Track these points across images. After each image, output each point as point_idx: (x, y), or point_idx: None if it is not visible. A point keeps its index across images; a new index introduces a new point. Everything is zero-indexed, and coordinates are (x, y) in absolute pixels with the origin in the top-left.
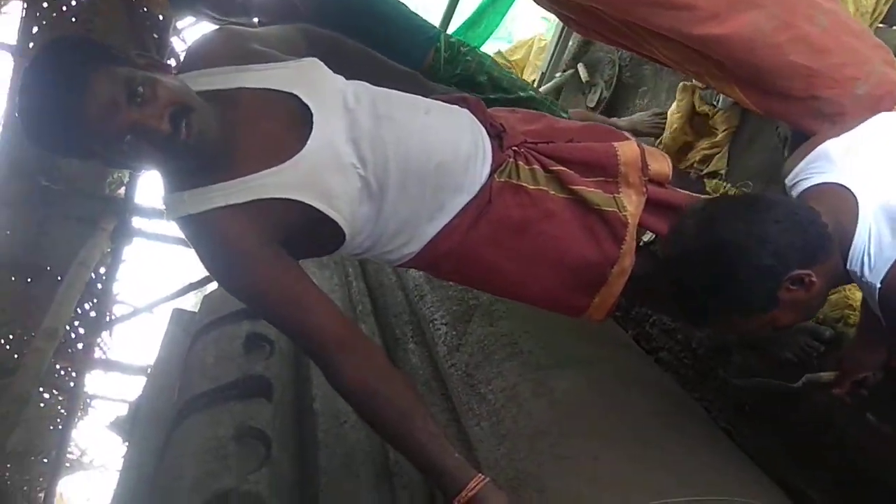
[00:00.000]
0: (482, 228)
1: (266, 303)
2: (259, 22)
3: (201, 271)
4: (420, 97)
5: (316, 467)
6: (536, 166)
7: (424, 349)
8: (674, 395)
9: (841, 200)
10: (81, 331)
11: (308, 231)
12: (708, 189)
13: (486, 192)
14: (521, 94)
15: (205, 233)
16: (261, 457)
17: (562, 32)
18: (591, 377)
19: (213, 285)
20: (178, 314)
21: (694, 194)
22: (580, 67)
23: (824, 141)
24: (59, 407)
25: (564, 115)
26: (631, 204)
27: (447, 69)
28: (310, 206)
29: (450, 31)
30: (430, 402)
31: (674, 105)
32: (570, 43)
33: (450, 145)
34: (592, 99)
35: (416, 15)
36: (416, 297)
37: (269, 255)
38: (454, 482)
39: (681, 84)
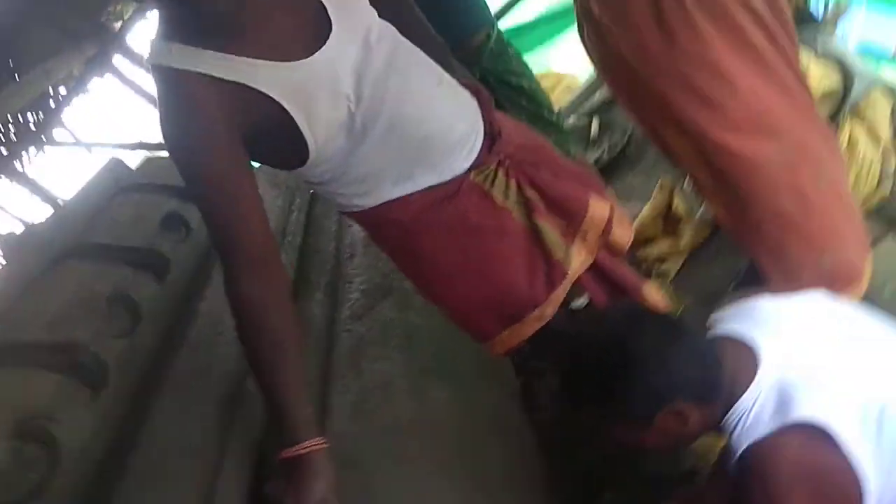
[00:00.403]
0: (437, 215)
1: (203, 184)
2: None
3: (157, 136)
4: (439, 67)
5: (171, 363)
6: (513, 183)
7: (330, 305)
8: (526, 456)
9: (745, 358)
10: (13, 138)
11: (275, 137)
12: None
13: (456, 184)
14: (547, 115)
15: (176, 91)
16: (124, 329)
17: (594, 82)
18: (466, 402)
19: (162, 154)
20: (116, 163)
21: (638, 279)
22: (594, 121)
23: (763, 295)
24: None
25: (561, 143)
26: (576, 260)
27: (489, 60)
28: (289, 114)
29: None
30: (310, 353)
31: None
32: (596, 96)
33: (445, 123)
34: (591, 156)
35: None
36: (346, 254)
37: (228, 141)
38: (294, 433)
39: (660, 181)
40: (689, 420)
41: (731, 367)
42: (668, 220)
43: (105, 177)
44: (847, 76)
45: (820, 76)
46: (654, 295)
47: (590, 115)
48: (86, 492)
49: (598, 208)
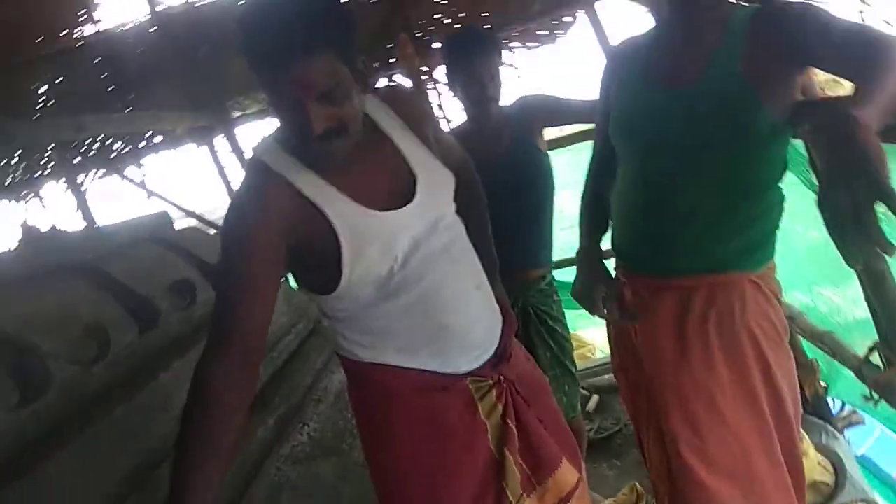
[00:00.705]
0: (419, 399)
1: (233, 267)
2: None
3: (211, 214)
4: (484, 275)
5: (110, 410)
6: (500, 406)
7: (274, 435)
8: None
9: None
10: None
11: (317, 259)
12: None
13: (451, 381)
14: (569, 365)
15: (258, 186)
16: (85, 358)
17: (606, 362)
18: None
19: (205, 229)
20: (163, 215)
21: None
22: (594, 399)
23: None
24: None
25: (572, 413)
26: None
27: (536, 296)
28: (340, 248)
29: None
30: (234, 472)
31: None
32: (605, 376)
33: (467, 323)
34: None
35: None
36: (315, 397)
37: (276, 246)
38: None
39: (633, 484)
40: None
41: None
42: None
43: (147, 221)
44: (839, 479)
45: (812, 466)
46: None
47: (592, 391)
48: None
49: (568, 474)
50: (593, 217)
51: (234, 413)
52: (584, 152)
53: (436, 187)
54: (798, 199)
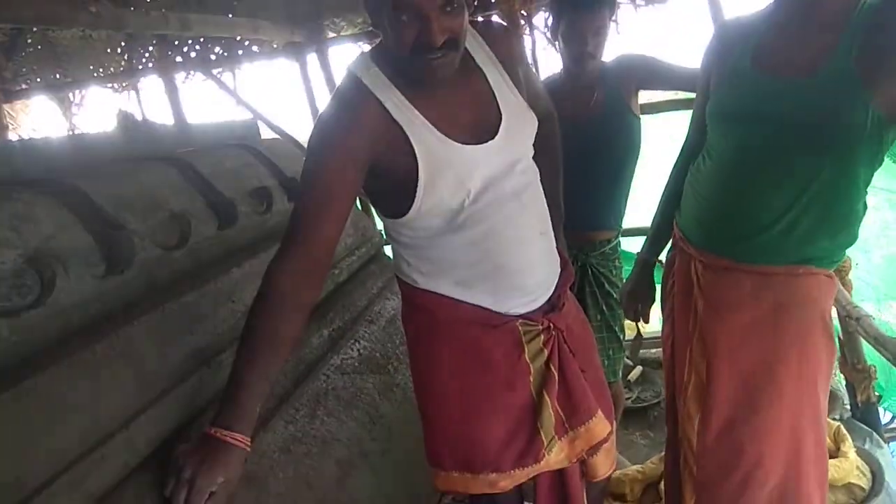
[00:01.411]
0: (468, 333)
1: (315, 175)
2: None
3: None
4: (550, 225)
5: (179, 294)
6: (546, 352)
7: (327, 345)
8: None
9: None
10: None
11: (393, 182)
12: None
13: (501, 319)
14: (618, 332)
15: (351, 99)
16: (162, 242)
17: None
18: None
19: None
20: (251, 124)
21: None
22: (637, 370)
23: None
24: None
25: (613, 378)
26: (555, 456)
27: (598, 258)
28: (417, 174)
29: None
30: (286, 371)
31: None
32: (652, 351)
33: (525, 266)
34: None
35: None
36: (369, 318)
37: (358, 161)
38: (231, 418)
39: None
40: None
41: None
42: (647, 493)
43: (236, 127)
44: (876, 487)
45: (851, 469)
46: None
47: (636, 362)
48: None
49: (601, 425)
50: (667, 219)
51: (296, 313)
52: (675, 122)
53: (518, 129)
54: (881, 209)
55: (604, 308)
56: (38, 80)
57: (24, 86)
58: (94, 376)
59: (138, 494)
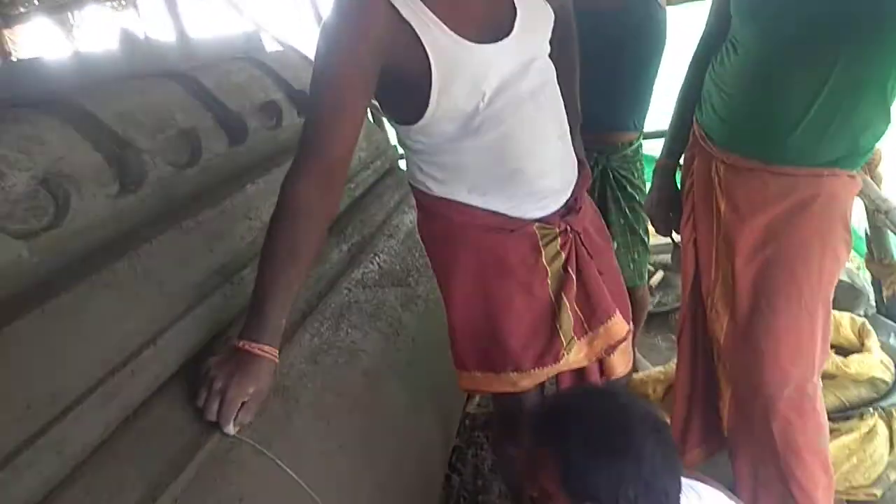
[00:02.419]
0: (484, 239)
1: (327, 81)
2: None
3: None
4: (567, 126)
5: (198, 209)
6: (563, 255)
7: (347, 260)
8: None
9: None
10: None
11: (405, 86)
12: None
13: (517, 224)
14: (642, 234)
15: (358, 3)
16: (173, 158)
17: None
18: (409, 416)
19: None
20: (256, 36)
21: None
22: (659, 275)
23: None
24: None
25: (639, 282)
26: (574, 356)
27: (619, 161)
28: (430, 76)
29: None
30: (308, 285)
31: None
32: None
33: (542, 169)
34: None
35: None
36: (388, 231)
37: (369, 63)
38: (258, 331)
39: None
40: None
41: None
42: (670, 394)
43: (238, 40)
44: None
45: (874, 363)
46: None
47: (658, 267)
48: None
49: (618, 325)
50: (686, 117)
51: (315, 225)
52: (701, 12)
53: (534, 26)
54: None
55: (626, 212)
56: (37, 2)
57: (22, 9)
58: (117, 295)
59: (171, 406)
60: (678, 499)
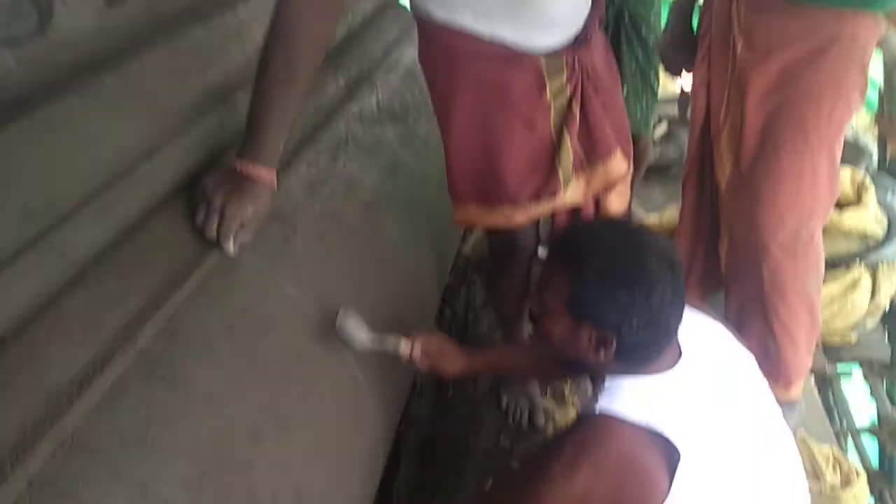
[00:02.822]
0: (487, 69)
1: None
2: None
3: None
4: None
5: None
6: (569, 89)
7: (344, 94)
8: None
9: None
10: None
11: None
12: None
13: (522, 56)
14: (652, 79)
15: None
16: None
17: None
18: (405, 249)
19: None
20: None
21: None
22: (663, 125)
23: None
24: None
25: (645, 130)
26: (571, 193)
27: (634, 1)
28: None
29: None
30: (306, 114)
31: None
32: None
33: None
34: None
35: None
36: (387, 67)
37: None
38: (256, 151)
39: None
40: (601, 356)
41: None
42: None
43: None
44: (890, 233)
45: (869, 217)
46: None
47: (662, 119)
48: None
49: (618, 164)
50: None
51: (310, 45)
52: None
53: None
54: None
55: (639, 55)
56: None
57: None
58: (109, 108)
59: (169, 224)
60: (677, 334)
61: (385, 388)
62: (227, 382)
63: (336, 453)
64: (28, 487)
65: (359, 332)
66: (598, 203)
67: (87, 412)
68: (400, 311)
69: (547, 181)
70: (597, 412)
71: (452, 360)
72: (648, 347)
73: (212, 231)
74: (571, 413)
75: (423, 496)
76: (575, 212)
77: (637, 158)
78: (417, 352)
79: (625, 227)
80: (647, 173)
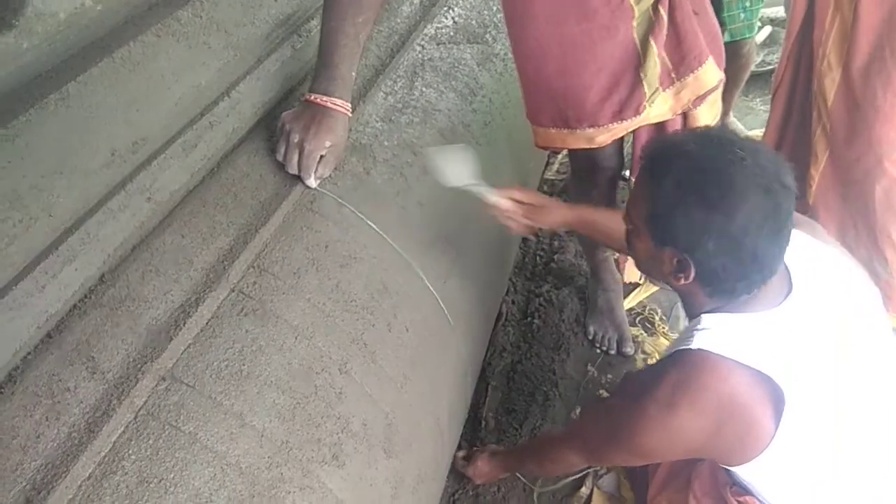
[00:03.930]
0: None
1: None
2: None
3: None
4: None
5: None
6: None
7: (419, 15)
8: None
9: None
10: None
11: None
12: None
13: None
14: None
15: None
16: None
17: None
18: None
19: None
20: None
21: None
22: (767, 29)
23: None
24: None
25: (748, 34)
26: (658, 108)
27: None
28: None
29: None
30: (379, 39)
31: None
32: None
33: None
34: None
35: None
36: None
37: None
38: (329, 84)
39: None
40: (682, 283)
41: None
42: None
43: None
44: None
45: None
46: None
47: (766, 22)
48: None
49: (710, 73)
50: None
51: None
52: None
53: None
54: None
55: None
56: None
57: None
58: (186, 45)
59: (251, 160)
60: (773, 263)
61: (470, 316)
62: (315, 316)
63: (424, 381)
64: (133, 420)
65: (451, 166)
66: (685, 116)
67: (184, 347)
68: (481, 242)
69: (630, 98)
70: (694, 348)
71: (549, 211)
72: (735, 279)
73: (293, 166)
74: (662, 342)
75: (511, 421)
76: (659, 126)
77: (738, 66)
78: (507, 203)
79: (718, 138)
80: (747, 82)
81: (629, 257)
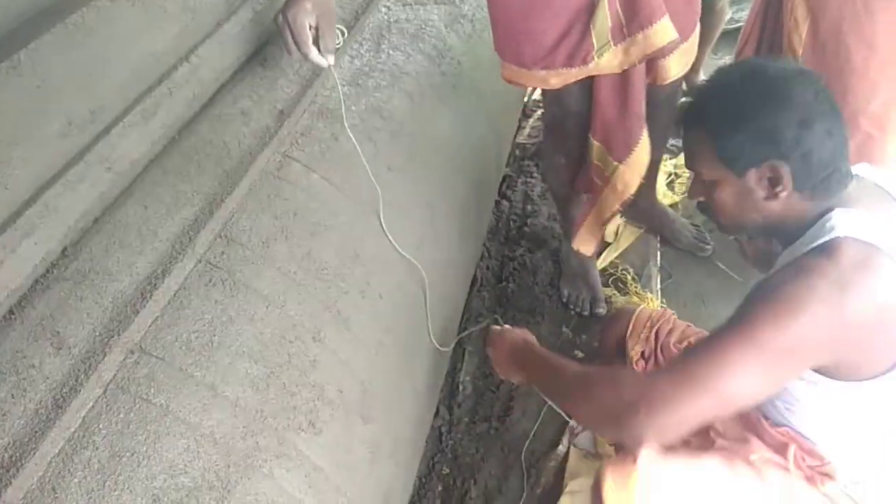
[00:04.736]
0: None
1: None
2: None
3: None
4: None
5: None
6: None
7: None
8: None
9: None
10: None
11: None
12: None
13: None
14: None
15: None
16: None
17: None
18: (454, 137)
19: None
20: None
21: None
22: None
23: None
24: None
25: None
26: (607, 61)
27: None
28: None
29: None
30: (342, 2)
31: None
32: None
33: None
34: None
35: None
36: None
37: None
38: None
39: None
40: (777, 193)
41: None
42: None
43: None
44: None
45: None
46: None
47: None
48: None
49: (662, 33)
50: None
51: None
52: None
53: None
54: None
55: None
56: None
57: None
58: (142, 7)
59: (213, 127)
60: (843, 142)
61: (444, 283)
62: (286, 284)
63: (399, 347)
64: (103, 394)
65: None
66: (651, 66)
67: (152, 320)
68: (456, 206)
69: (579, 46)
70: (841, 236)
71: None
72: (825, 165)
73: (290, 46)
74: (635, 301)
75: (487, 385)
76: (623, 76)
77: (711, 23)
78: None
79: (746, 66)
80: (717, 42)
81: (582, 224)
